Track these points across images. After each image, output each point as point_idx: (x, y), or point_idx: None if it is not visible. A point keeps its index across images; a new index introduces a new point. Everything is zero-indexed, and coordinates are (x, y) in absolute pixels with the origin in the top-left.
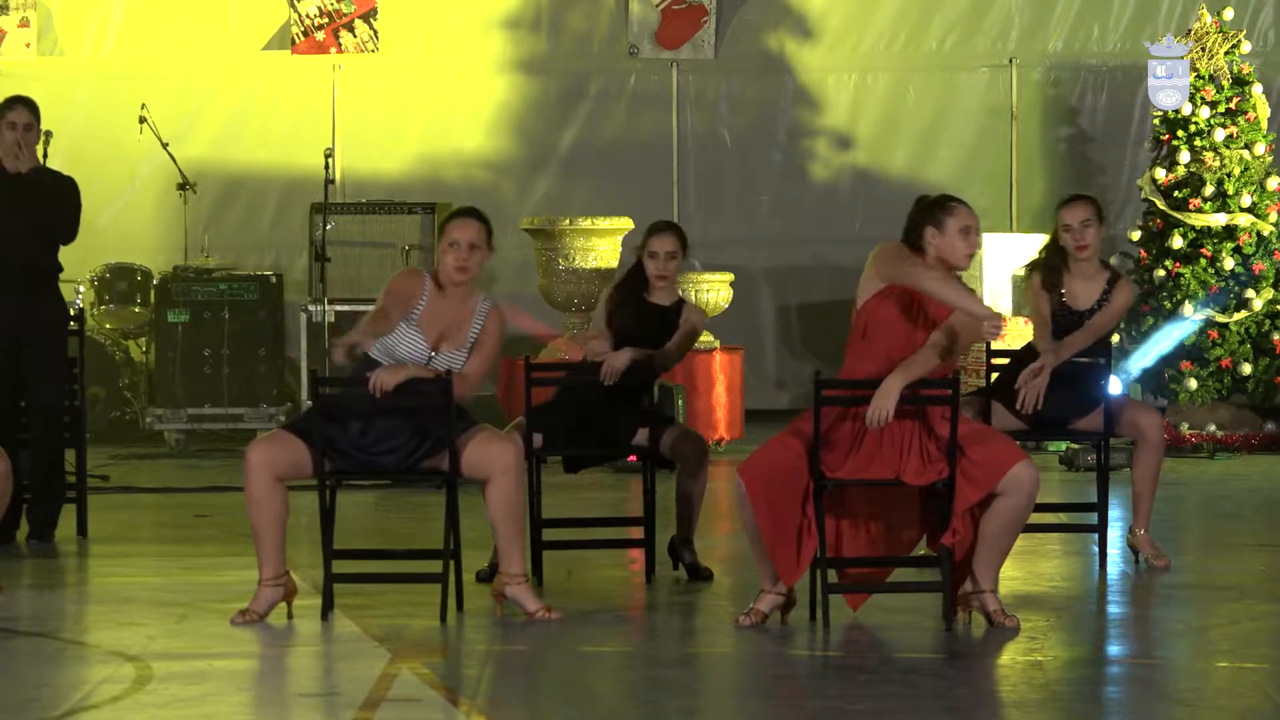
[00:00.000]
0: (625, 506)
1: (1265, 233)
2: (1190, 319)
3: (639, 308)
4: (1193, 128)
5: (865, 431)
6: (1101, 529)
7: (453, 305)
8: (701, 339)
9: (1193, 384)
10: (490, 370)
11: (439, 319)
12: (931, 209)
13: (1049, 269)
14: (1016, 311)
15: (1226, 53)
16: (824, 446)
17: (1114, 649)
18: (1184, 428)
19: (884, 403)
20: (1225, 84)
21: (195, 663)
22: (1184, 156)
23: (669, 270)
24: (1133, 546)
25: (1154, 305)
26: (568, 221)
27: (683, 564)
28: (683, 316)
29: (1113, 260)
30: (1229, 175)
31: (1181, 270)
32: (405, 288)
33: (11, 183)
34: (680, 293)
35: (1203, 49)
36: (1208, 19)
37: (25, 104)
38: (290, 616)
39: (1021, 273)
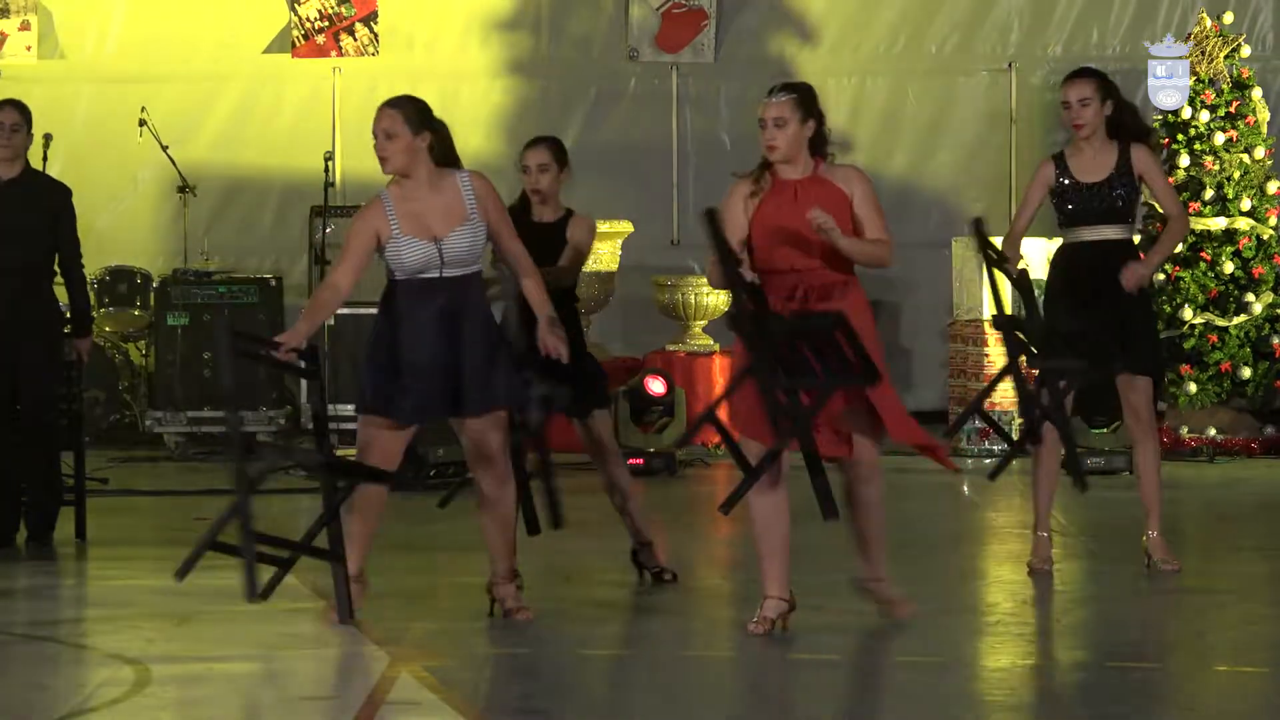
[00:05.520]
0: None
1: (1265, 237)
2: None
3: (526, 228)
4: (1192, 131)
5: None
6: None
7: (425, 195)
8: (700, 342)
9: (1192, 388)
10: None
11: (422, 213)
12: None
13: (1055, 157)
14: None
15: (1226, 57)
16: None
17: (1112, 653)
18: (1183, 432)
19: None
20: (1225, 88)
21: (195, 666)
22: (1184, 160)
23: (541, 184)
24: (1146, 550)
25: (1154, 309)
26: None
27: (647, 571)
28: (569, 231)
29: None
30: (1229, 179)
31: (1181, 274)
32: (367, 222)
33: (4, 187)
34: (566, 206)
35: (1202, 53)
36: (1207, 22)
37: (15, 105)
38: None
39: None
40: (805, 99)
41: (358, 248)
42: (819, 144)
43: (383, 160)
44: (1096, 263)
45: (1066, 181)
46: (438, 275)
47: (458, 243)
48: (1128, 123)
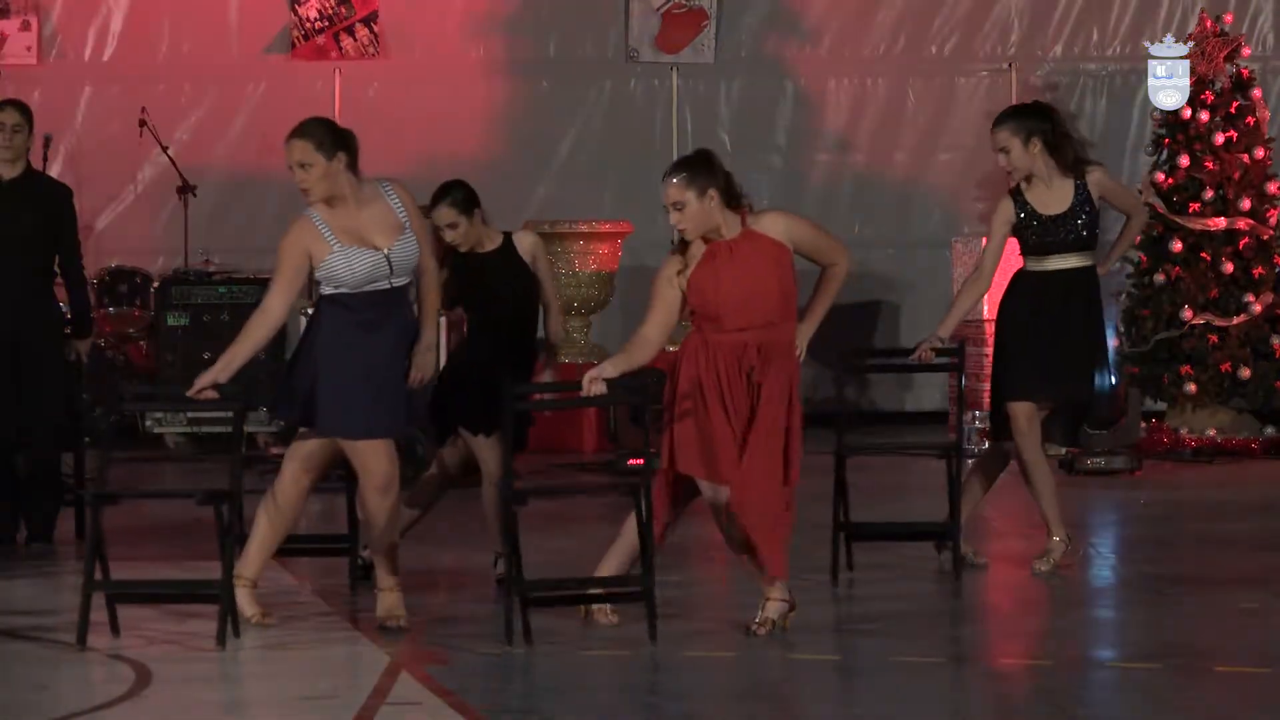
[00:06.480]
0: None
1: (1265, 237)
2: None
3: (469, 264)
4: (1192, 131)
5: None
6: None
7: (354, 210)
8: None
9: (1192, 388)
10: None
11: (357, 228)
12: None
13: (1012, 192)
14: None
15: (1226, 57)
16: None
17: (1112, 653)
18: (1183, 432)
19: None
20: (1225, 88)
21: (195, 665)
22: (1184, 160)
23: (456, 239)
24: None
25: (1154, 309)
26: (568, 225)
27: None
28: (521, 251)
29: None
30: (1229, 179)
31: (1181, 274)
32: (297, 242)
33: (5, 187)
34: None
35: (1202, 53)
36: (1207, 23)
37: (15, 105)
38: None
39: None
40: (696, 173)
41: (290, 270)
42: (734, 199)
43: (304, 192)
44: (1057, 291)
45: (1026, 215)
46: (388, 286)
47: (402, 252)
48: (1066, 156)
